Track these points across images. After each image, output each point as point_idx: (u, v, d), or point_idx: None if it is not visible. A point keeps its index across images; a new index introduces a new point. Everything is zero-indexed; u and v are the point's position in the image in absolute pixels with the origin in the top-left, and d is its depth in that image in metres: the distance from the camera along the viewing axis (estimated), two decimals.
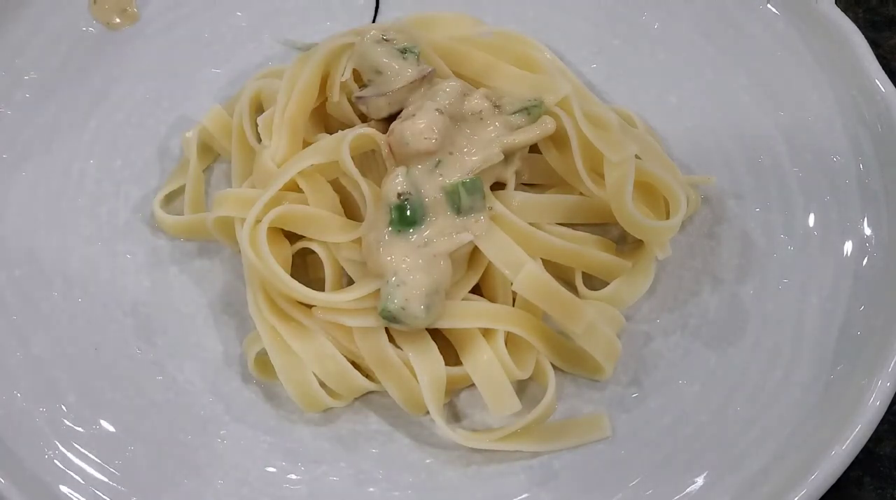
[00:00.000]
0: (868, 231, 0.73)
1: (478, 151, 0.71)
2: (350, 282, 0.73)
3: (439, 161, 0.70)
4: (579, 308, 0.70)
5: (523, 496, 0.68)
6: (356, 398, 0.73)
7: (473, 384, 0.71)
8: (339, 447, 0.71)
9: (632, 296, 0.75)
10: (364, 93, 0.74)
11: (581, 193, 0.75)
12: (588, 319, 0.70)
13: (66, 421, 0.69)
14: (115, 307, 0.76)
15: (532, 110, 0.73)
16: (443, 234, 0.70)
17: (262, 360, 0.72)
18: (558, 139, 0.74)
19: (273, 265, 0.69)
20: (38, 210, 0.78)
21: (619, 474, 0.68)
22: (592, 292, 0.74)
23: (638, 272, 0.75)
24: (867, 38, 0.77)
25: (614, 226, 0.76)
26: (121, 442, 0.69)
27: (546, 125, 0.73)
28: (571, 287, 0.74)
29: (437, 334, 0.71)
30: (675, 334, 0.74)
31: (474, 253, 0.72)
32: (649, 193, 0.76)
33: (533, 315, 0.72)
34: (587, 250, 0.74)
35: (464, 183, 0.70)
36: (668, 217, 0.76)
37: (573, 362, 0.73)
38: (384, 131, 0.72)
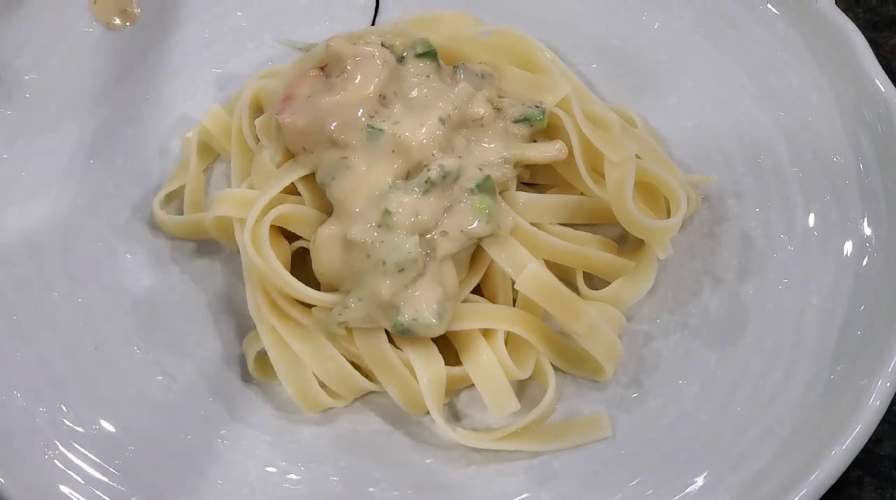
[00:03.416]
0: (868, 231, 0.73)
1: (487, 164, 0.71)
2: None
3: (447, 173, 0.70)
4: (582, 308, 0.70)
5: (523, 496, 0.68)
6: (356, 398, 0.73)
7: (473, 384, 0.71)
8: (339, 447, 0.71)
9: (633, 296, 0.75)
10: None
11: (582, 193, 0.75)
12: (590, 319, 0.70)
13: (66, 421, 0.69)
14: (115, 307, 0.76)
15: (534, 122, 0.73)
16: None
17: (262, 360, 0.72)
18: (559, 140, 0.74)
19: (275, 264, 0.69)
20: (38, 210, 0.78)
21: (619, 474, 0.68)
22: (594, 291, 0.75)
23: (639, 272, 0.75)
24: (867, 38, 0.77)
25: (615, 226, 0.76)
26: (121, 442, 0.69)
27: (559, 152, 0.73)
28: (573, 287, 0.74)
29: None
30: (675, 334, 0.74)
31: (476, 254, 0.72)
32: (650, 192, 0.76)
33: (534, 315, 0.72)
34: (590, 250, 0.74)
35: (478, 184, 0.70)
36: (668, 217, 0.76)
37: (574, 362, 0.73)
38: None
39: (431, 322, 0.67)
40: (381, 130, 0.69)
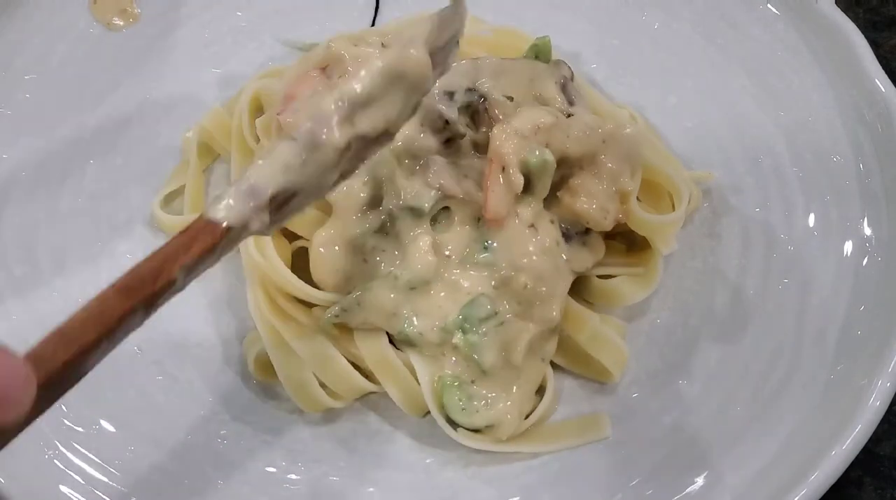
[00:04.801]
0: (868, 231, 0.73)
1: None
2: None
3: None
4: (585, 317, 0.70)
5: (523, 496, 0.68)
6: (356, 398, 0.73)
7: None
8: (339, 447, 0.71)
9: (637, 293, 0.75)
10: None
11: None
12: (593, 327, 0.70)
13: (66, 421, 0.69)
14: None
15: None
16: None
17: (262, 360, 0.72)
18: None
19: (276, 262, 0.69)
20: (38, 210, 0.78)
21: (619, 474, 0.68)
22: (600, 280, 0.75)
23: (644, 273, 0.75)
24: (867, 38, 0.77)
25: (621, 232, 0.76)
26: (121, 442, 0.69)
27: None
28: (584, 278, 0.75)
29: None
30: (676, 333, 0.74)
31: None
32: (653, 191, 0.77)
33: None
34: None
35: None
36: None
37: (581, 362, 0.73)
38: None
39: (436, 339, 0.68)
40: None
